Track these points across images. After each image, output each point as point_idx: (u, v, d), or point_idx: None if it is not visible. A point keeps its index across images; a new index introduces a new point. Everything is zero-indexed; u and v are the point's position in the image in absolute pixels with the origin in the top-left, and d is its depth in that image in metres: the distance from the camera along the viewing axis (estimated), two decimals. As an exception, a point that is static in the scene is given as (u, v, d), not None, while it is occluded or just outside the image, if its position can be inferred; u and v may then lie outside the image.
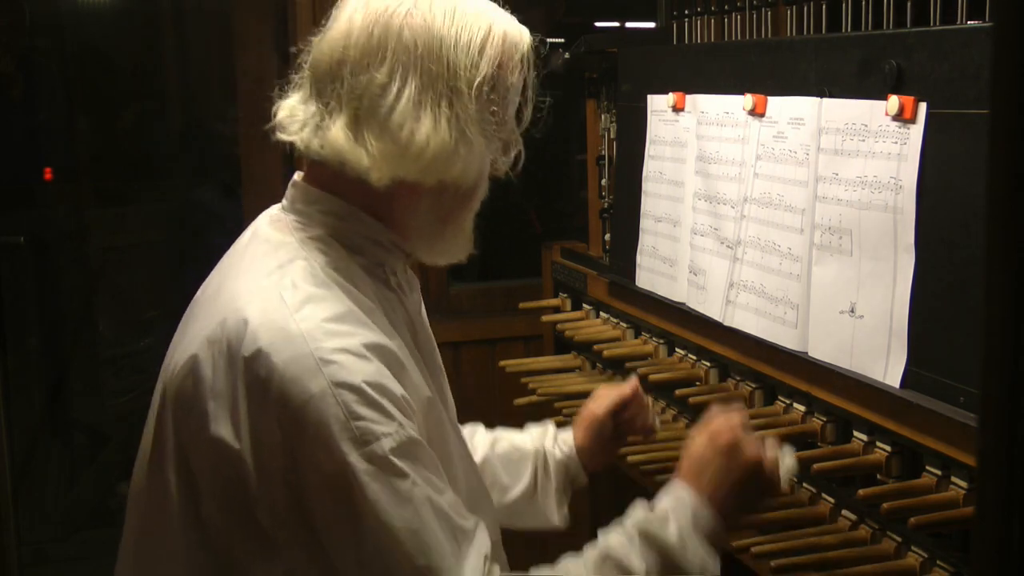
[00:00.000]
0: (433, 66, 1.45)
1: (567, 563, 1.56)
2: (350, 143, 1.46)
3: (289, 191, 1.59)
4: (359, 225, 1.54)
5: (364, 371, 1.40)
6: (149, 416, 1.57)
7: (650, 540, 1.54)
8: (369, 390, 1.39)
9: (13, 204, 4.15)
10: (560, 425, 2.35)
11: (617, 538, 1.56)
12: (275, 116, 1.54)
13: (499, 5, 1.57)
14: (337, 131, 1.46)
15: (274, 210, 1.61)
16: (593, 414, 1.94)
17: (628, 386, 1.96)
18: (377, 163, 1.45)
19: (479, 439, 1.95)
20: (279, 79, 1.58)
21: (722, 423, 1.64)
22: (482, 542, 1.47)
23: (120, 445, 4.42)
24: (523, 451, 1.93)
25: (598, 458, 1.95)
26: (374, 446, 1.37)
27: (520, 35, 1.55)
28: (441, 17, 1.47)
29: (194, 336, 1.49)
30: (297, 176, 1.59)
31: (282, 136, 1.52)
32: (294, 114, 1.52)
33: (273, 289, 1.45)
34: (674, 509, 1.57)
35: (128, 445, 4.47)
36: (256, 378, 1.40)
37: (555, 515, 1.91)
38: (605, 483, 2.82)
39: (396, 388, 1.42)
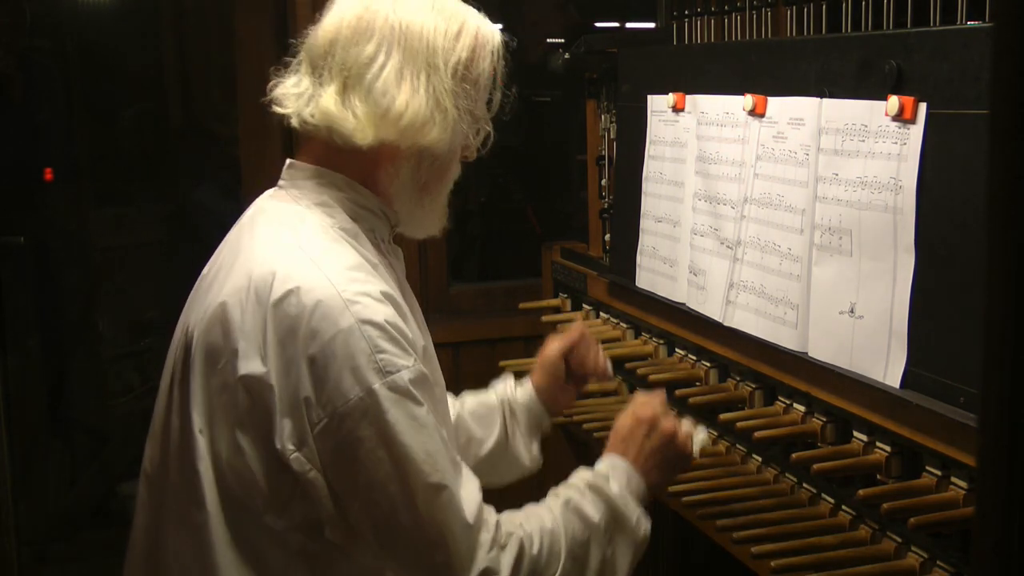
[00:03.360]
0: (415, 43, 1.65)
1: (533, 507, 1.74)
2: (338, 108, 1.63)
3: (285, 171, 1.75)
4: (354, 194, 1.71)
5: (384, 312, 1.57)
6: (166, 370, 1.72)
7: (598, 493, 1.76)
8: (390, 327, 1.56)
9: (13, 204, 4.14)
10: (559, 425, 2.36)
11: (570, 491, 1.77)
12: (270, 92, 1.71)
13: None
14: (327, 98, 1.64)
15: (271, 190, 1.77)
16: (546, 357, 2.12)
17: (575, 330, 2.15)
18: (361, 124, 1.63)
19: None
20: (277, 70, 1.74)
21: (645, 402, 1.89)
22: (471, 476, 1.65)
23: (120, 445, 4.42)
24: (490, 404, 2.10)
25: (559, 400, 2.14)
26: (395, 376, 1.54)
27: (492, 31, 1.75)
28: (423, 9, 1.68)
29: (218, 292, 1.63)
30: (291, 159, 1.75)
31: (278, 109, 1.70)
32: (289, 90, 1.70)
33: (292, 244, 1.62)
34: (612, 471, 1.80)
35: (128, 445, 4.49)
36: (286, 316, 1.55)
37: (526, 457, 2.09)
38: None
39: (407, 330, 1.60)
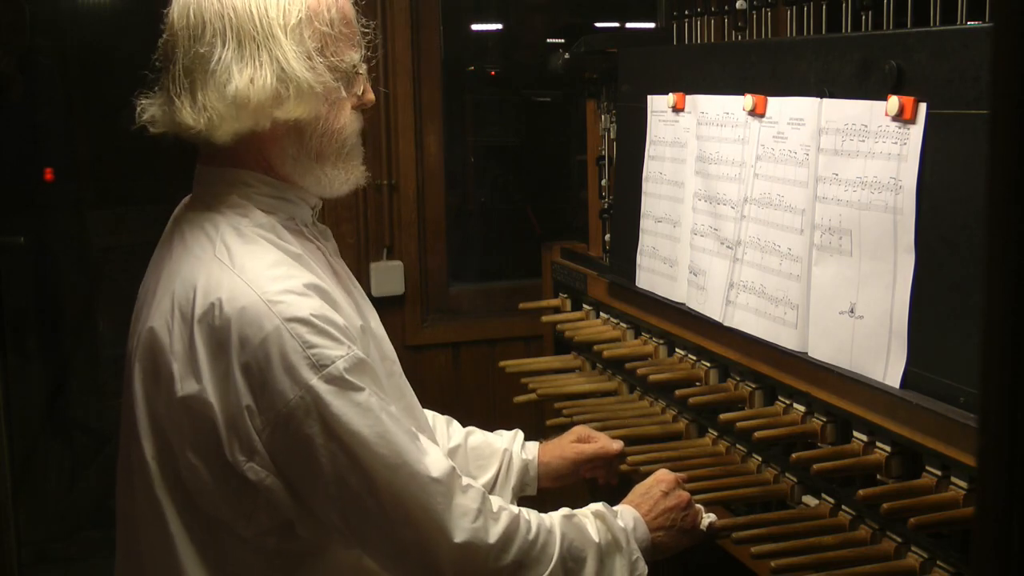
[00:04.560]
0: (246, 24, 1.61)
1: (533, 511, 1.75)
2: (191, 115, 1.61)
3: (196, 177, 1.76)
4: (264, 187, 1.69)
5: (309, 305, 1.55)
6: (123, 399, 1.71)
7: (603, 520, 1.81)
8: (316, 321, 1.54)
9: (13, 204, 4.14)
10: (558, 427, 2.35)
11: (575, 511, 1.82)
12: (140, 117, 1.70)
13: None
14: (182, 111, 1.63)
15: (187, 199, 1.78)
16: (575, 452, 2.16)
17: (615, 446, 2.15)
18: (215, 123, 1.60)
19: (454, 428, 2.15)
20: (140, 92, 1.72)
21: (667, 470, 1.96)
22: (433, 445, 1.66)
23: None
24: (493, 448, 2.13)
25: (554, 482, 2.18)
26: (330, 368, 1.53)
27: None
28: None
29: (147, 318, 1.64)
30: (199, 164, 1.75)
31: (153, 131, 1.69)
32: (154, 110, 1.68)
33: (209, 257, 1.60)
34: (622, 512, 1.86)
35: (128, 445, 4.45)
36: (212, 330, 1.54)
37: None
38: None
39: (337, 318, 1.58)
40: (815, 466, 1.74)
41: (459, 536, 1.60)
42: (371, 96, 1.77)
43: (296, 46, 1.62)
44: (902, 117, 1.68)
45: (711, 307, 2.18)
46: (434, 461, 1.61)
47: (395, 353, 1.86)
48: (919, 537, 1.63)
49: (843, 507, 1.81)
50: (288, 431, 1.53)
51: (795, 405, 1.92)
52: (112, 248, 4.70)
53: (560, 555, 1.70)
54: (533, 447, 2.17)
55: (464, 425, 2.19)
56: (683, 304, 2.30)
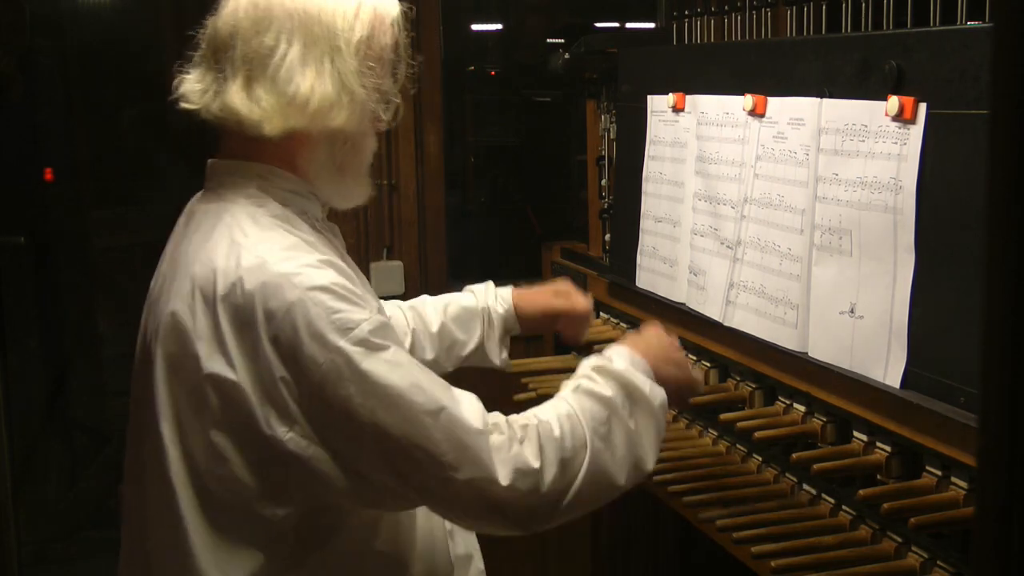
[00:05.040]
0: (315, 28, 1.64)
1: (544, 405, 1.75)
2: (244, 102, 1.63)
3: (208, 172, 1.76)
4: (280, 180, 1.71)
5: (327, 275, 1.59)
6: (132, 387, 1.75)
7: (605, 373, 1.77)
8: (337, 288, 1.58)
9: (13, 204, 4.14)
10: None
11: (578, 379, 1.78)
12: (176, 89, 1.70)
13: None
14: (232, 93, 1.64)
15: (199, 193, 1.78)
16: (547, 305, 2.26)
17: (583, 305, 2.26)
18: (268, 115, 1.63)
19: (430, 310, 2.22)
20: (180, 66, 1.73)
21: (654, 326, 1.97)
22: (464, 392, 1.67)
23: (120, 445, 4.40)
24: (472, 311, 2.23)
25: (528, 329, 2.30)
26: (356, 331, 1.56)
27: (390, 5, 1.74)
28: None
29: (167, 303, 1.64)
30: (211, 159, 1.76)
31: (185, 105, 1.69)
32: (193, 85, 1.69)
33: (228, 241, 1.62)
34: (615, 354, 1.81)
35: (128, 445, 4.45)
36: (237, 308, 1.56)
37: (497, 358, 2.27)
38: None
39: (356, 287, 1.62)
40: (815, 466, 1.74)
41: (504, 471, 1.61)
42: (389, 126, 1.81)
43: (355, 61, 1.66)
44: (902, 117, 1.68)
45: (711, 307, 2.18)
46: (470, 406, 1.63)
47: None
48: (919, 537, 1.63)
49: (843, 507, 1.81)
50: (324, 396, 1.55)
51: (795, 405, 1.92)
52: (112, 248, 4.70)
53: (590, 431, 1.69)
54: (507, 295, 2.25)
55: None
56: (683, 304, 2.30)
